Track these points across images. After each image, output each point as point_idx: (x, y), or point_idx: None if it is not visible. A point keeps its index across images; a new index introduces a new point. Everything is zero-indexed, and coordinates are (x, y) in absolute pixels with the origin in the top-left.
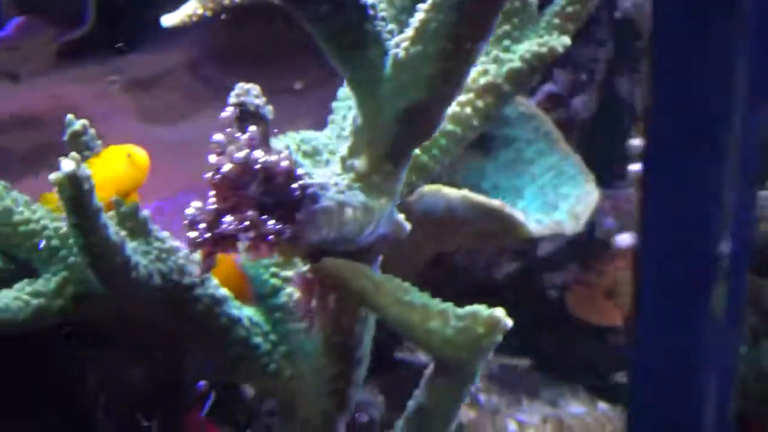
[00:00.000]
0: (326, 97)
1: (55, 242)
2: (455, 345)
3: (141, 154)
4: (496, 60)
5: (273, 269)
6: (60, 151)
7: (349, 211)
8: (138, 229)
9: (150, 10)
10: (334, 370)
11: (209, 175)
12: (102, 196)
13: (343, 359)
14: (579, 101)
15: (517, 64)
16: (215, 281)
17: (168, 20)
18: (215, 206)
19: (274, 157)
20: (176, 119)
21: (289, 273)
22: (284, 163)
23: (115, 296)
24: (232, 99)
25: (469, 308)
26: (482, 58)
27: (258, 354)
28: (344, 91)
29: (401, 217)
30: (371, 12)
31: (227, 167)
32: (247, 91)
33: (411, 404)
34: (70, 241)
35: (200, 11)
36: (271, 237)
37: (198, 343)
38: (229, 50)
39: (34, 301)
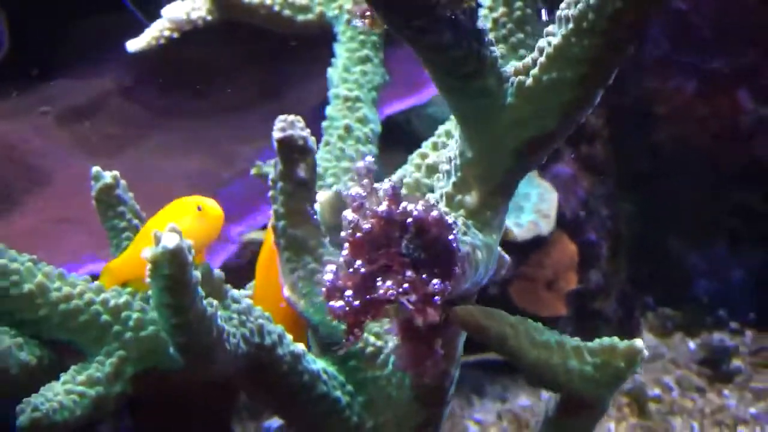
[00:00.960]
0: (273, 112)
1: (105, 318)
2: (596, 382)
3: (213, 206)
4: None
5: None
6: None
7: (478, 254)
8: (215, 292)
9: (74, 31)
10: (425, 414)
11: (348, 233)
12: None
13: (436, 402)
14: None
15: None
16: (290, 337)
17: (133, 45)
18: (364, 269)
19: (420, 206)
20: (120, 150)
21: None
22: (434, 213)
23: (195, 371)
24: (277, 133)
25: (604, 341)
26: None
27: (339, 408)
28: (333, 110)
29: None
30: (487, 38)
31: (369, 223)
32: (292, 124)
33: None
34: (124, 314)
35: (168, 33)
36: (437, 297)
37: (279, 405)
38: (165, 71)
39: (91, 392)
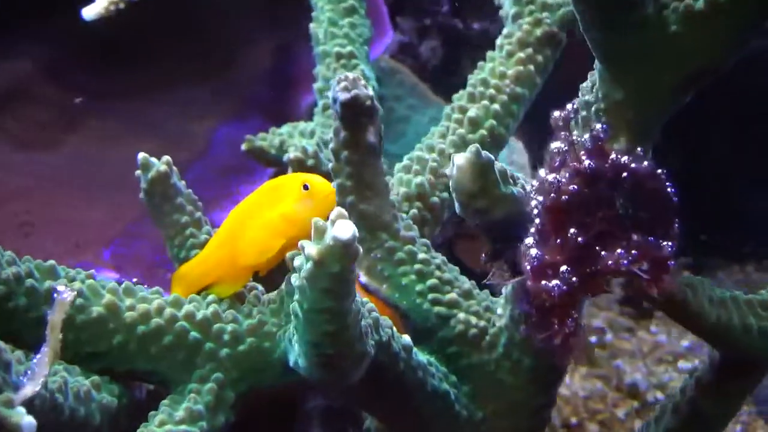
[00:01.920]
0: (222, 84)
1: (194, 335)
2: None
3: (321, 183)
4: (545, 7)
5: (432, 295)
6: None
7: None
8: None
9: None
10: (544, 398)
11: (548, 197)
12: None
13: (555, 382)
14: (426, 48)
15: (572, 8)
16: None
17: (89, 12)
18: (580, 238)
19: (630, 157)
20: (57, 141)
21: (452, 295)
22: (646, 163)
23: (326, 386)
24: (342, 94)
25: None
26: (530, 7)
27: (449, 403)
28: (326, 70)
29: None
30: None
31: (574, 182)
32: (355, 82)
33: (672, 415)
34: (216, 327)
35: None
36: (673, 262)
37: (390, 410)
38: (92, 47)
39: (194, 430)
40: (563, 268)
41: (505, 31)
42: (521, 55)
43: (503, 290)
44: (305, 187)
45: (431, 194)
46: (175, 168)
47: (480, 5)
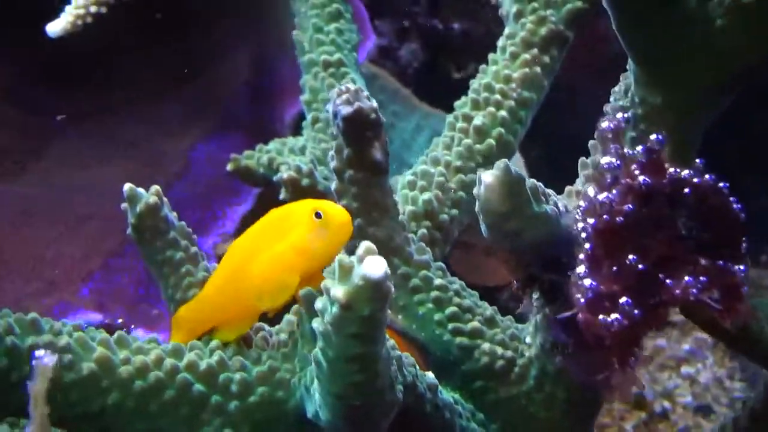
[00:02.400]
0: (195, 97)
1: (198, 387)
2: None
3: (336, 211)
4: (549, 3)
5: (453, 324)
6: None
7: None
8: None
9: None
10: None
11: (600, 219)
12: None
13: (593, 414)
14: (406, 51)
15: (578, 3)
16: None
17: (54, 27)
18: (640, 264)
19: (689, 171)
20: (20, 167)
21: (474, 323)
22: (706, 176)
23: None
24: (344, 108)
25: None
26: (532, 5)
27: None
28: (313, 80)
29: None
30: None
31: (629, 201)
32: (357, 94)
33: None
34: (223, 378)
35: (95, 9)
36: (746, 288)
37: None
38: (51, 65)
39: None
40: (623, 299)
41: (507, 31)
42: (526, 56)
43: (533, 316)
44: (317, 215)
45: (440, 212)
46: (165, 199)
47: (459, 4)
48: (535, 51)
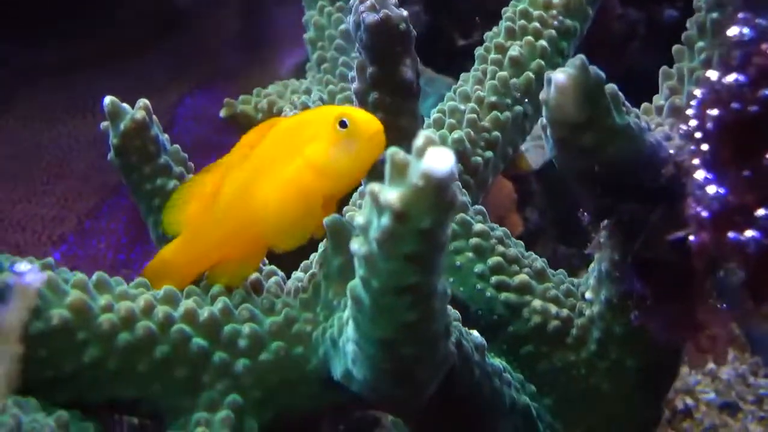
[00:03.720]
0: (179, 49)
1: (198, 342)
2: None
3: (364, 117)
4: None
5: (497, 277)
6: None
7: None
8: None
9: None
10: (654, 409)
11: (728, 109)
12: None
13: (667, 387)
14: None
15: None
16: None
17: None
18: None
19: None
20: None
21: (522, 277)
22: None
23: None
24: (368, 16)
25: None
26: None
27: (532, 421)
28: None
29: None
30: None
31: (762, 86)
32: (384, 1)
33: None
34: (228, 330)
35: None
36: None
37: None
38: (15, 15)
39: None
40: (761, 212)
41: None
42: None
43: (596, 265)
44: (342, 124)
45: (472, 153)
46: (155, 117)
47: None
48: None
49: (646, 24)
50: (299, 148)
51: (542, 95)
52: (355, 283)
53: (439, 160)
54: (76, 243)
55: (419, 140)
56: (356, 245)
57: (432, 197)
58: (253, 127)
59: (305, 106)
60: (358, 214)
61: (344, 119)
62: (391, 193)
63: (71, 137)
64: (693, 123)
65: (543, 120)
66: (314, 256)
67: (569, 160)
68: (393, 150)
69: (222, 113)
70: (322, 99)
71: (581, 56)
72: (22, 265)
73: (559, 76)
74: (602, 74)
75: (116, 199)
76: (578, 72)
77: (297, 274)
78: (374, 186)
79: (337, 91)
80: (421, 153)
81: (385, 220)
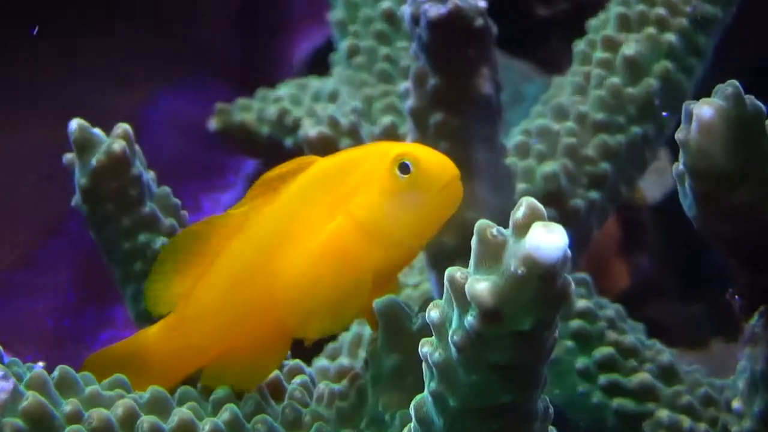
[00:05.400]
0: (171, 38)
1: None
2: None
3: (434, 157)
4: None
5: (606, 376)
6: None
7: None
8: None
9: None
10: None
11: None
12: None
13: None
14: None
15: None
16: None
17: None
18: None
19: None
20: None
21: (643, 376)
22: None
23: None
24: (432, 6)
25: None
26: None
27: None
28: None
29: None
30: None
31: None
32: None
33: None
34: None
35: None
36: None
37: None
38: None
39: None
40: None
41: None
42: None
43: (749, 364)
44: (404, 168)
45: (571, 194)
46: (138, 147)
47: None
48: None
49: None
50: (342, 200)
51: (680, 134)
52: (424, 399)
53: (549, 240)
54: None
55: (521, 211)
56: (428, 348)
57: (536, 290)
58: (278, 166)
59: (334, 122)
60: (432, 307)
61: (406, 161)
62: (480, 284)
63: (33, 149)
64: None
65: (679, 166)
66: (345, 338)
67: (716, 222)
68: (483, 224)
69: (212, 124)
70: (356, 111)
71: (734, 83)
72: None
73: (705, 109)
74: (762, 107)
75: (58, 240)
76: (731, 104)
77: (321, 363)
78: (456, 272)
79: (377, 97)
80: (523, 229)
81: (471, 318)
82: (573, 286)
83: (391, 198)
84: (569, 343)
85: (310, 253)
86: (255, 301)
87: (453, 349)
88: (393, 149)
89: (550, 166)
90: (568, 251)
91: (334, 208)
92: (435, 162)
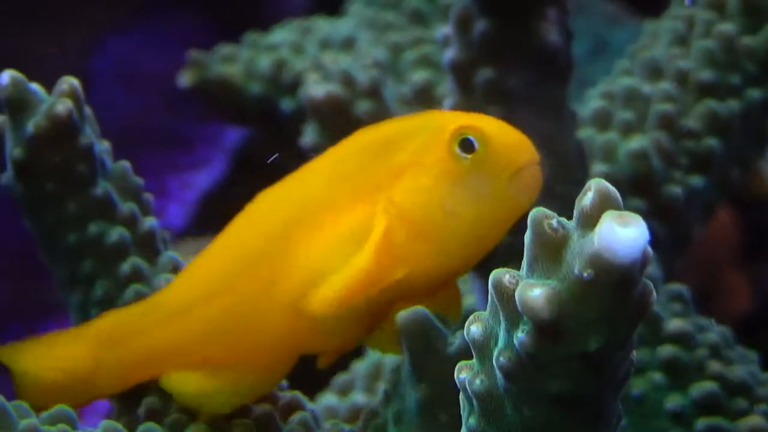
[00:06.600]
0: None
1: None
2: None
3: (507, 133)
4: None
5: (707, 420)
6: None
7: None
8: None
9: None
10: None
11: None
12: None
13: None
14: None
15: None
16: None
17: None
18: None
19: None
20: None
21: (755, 422)
22: None
23: None
24: None
25: None
26: None
27: None
28: None
29: None
30: None
31: None
32: None
33: None
34: None
35: None
36: None
37: None
38: None
39: None
40: None
41: None
42: None
43: None
44: (466, 145)
45: (665, 178)
46: (89, 109)
47: None
48: None
49: None
50: (383, 184)
51: None
52: None
53: (624, 235)
54: None
55: (588, 197)
56: (467, 374)
57: (607, 300)
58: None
59: (348, 79)
60: (473, 321)
61: (470, 137)
62: (534, 291)
63: None
64: None
65: None
66: (360, 368)
67: None
68: (539, 214)
69: (184, 79)
70: (378, 63)
71: None
72: None
73: None
74: None
75: None
76: None
77: (327, 399)
78: (504, 275)
79: (407, 46)
80: (591, 221)
81: (523, 335)
82: (655, 295)
83: (448, 184)
84: (658, 375)
85: (335, 244)
86: (255, 302)
87: (499, 375)
88: (453, 120)
89: (637, 142)
90: (650, 250)
91: (369, 193)
92: (508, 139)
